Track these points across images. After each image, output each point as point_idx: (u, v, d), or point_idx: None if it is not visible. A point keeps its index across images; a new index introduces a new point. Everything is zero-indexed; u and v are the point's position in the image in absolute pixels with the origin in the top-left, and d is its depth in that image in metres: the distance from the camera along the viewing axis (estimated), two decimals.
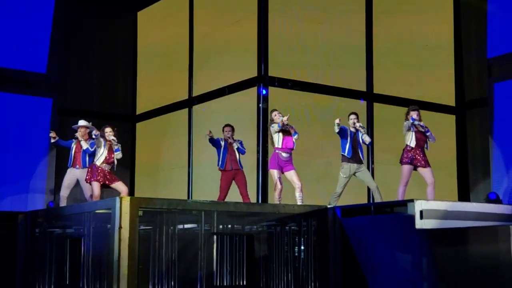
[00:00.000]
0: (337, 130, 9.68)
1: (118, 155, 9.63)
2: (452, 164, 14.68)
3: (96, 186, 9.52)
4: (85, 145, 10.14)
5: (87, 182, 9.68)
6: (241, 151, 10.56)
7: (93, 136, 9.80)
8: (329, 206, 8.97)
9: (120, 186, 9.68)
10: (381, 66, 14.12)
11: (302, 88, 13.13)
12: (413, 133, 9.55)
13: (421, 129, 9.56)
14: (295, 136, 9.87)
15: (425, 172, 9.52)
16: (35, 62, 13.86)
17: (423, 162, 9.51)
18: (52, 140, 10.36)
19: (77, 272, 8.46)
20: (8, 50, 13.57)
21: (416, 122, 9.53)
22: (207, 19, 14.51)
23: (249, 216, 8.52)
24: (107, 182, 9.63)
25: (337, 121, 9.63)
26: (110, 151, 9.62)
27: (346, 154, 9.75)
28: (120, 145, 9.66)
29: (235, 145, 10.44)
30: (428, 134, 9.60)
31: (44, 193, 12.99)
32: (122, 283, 7.48)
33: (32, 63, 13.84)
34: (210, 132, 10.36)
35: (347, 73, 13.72)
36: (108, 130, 9.72)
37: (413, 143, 9.53)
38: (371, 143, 11.72)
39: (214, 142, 10.46)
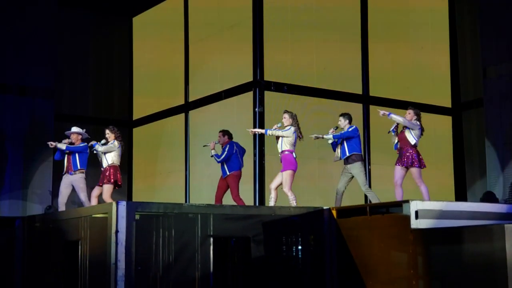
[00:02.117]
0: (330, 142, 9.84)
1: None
2: (449, 164, 14.74)
3: (95, 188, 10.15)
4: (63, 146, 10.28)
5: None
6: (215, 159, 10.58)
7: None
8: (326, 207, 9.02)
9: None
10: (376, 68, 14.18)
11: (298, 92, 13.18)
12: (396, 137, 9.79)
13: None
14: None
15: (411, 172, 9.65)
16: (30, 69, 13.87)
17: (409, 161, 9.62)
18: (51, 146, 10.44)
19: (75, 276, 8.47)
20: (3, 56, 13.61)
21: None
22: (202, 24, 14.57)
23: (246, 219, 8.54)
24: (100, 183, 10.09)
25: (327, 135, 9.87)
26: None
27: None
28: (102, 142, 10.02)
29: (212, 152, 10.53)
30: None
31: (41, 198, 13.01)
32: (119, 286, 7.50)
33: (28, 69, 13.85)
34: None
35: (343, 77, 13.77)
36: (106, 131, 10.24)
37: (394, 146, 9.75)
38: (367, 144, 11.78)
39: None
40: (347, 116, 10.06)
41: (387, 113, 9.74)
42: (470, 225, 7.92)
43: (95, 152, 10.21)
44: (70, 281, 8.64)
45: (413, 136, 9.67)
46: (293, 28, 13.33)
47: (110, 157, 10.10)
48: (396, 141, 9.86)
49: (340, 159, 9.91)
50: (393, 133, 9.85)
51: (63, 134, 10.72)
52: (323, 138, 9.99)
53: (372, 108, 14.02)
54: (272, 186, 9.89)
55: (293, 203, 9.56)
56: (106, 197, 9.99)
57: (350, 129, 9.90)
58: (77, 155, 10.27)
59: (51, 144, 10.35)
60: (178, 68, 14.96)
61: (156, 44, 15.85)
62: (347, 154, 9.82)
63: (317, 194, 12.64)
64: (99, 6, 16.16)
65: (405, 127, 9.75)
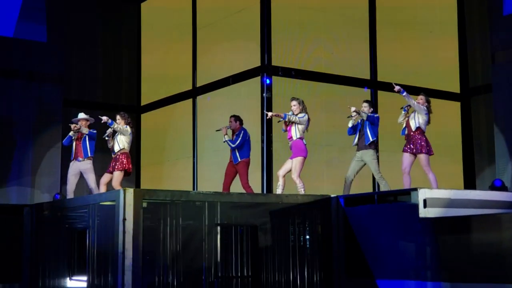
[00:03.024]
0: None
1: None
2: (457, 150, 14.65)
3: (104, 175, 10.14)
4: (85, 130, 10.21)
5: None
6: (229, 144, 10.50)
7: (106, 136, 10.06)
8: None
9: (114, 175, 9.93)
10: (385, 53, 14.08)
11: (305, 77, 13.11)
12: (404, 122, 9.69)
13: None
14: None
15: (418, 158, 9.61)
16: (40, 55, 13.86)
17: (417, 148, 9.56)
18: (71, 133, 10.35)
19: (83, 264, 8.51)
20: (12, 41, 13.58)
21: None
22: (210, 9, 14.48)
23: (253, 207, 8.53)
24: (111, 169, 10.04)
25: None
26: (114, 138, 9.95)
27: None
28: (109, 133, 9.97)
29: (225, 138, 10.45)
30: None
31: (50, 185, 13.04)
32: (127, 275, 7.52)
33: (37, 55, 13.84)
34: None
35: (351, 61, 13.68)
36: (117, 117, 10.18)
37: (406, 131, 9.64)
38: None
39: None
40: (371, 102, 10.09)
41: (401, 89, 9.64)
42: (479, 214, 7.87)
43: (106, 136, 10.06)
44: (78, 270, 8.68)
45: (416, 121, 9.58)
46: (300, 13, 13.24)
47: (121, 143, 10.04)
48: (404, 125, 9.77)
49: (365, 144, 9.80)
50: (404, 111, 9.72)
51: (71, 120, 10.67)
52: (358, 114, 9.80)
53: (380, 93, 13.94)
54: (280, 173, 9.84)
55: (301, 191, 9.53)
56: (116, 184, 9.95)
57: (376, 115, 9.85)
58: (87, 141, 10.19)
59: (75, 126, 10.20)
60: (186, 54, 14.91)
61: (164, 30, 15.79)
62: (371, 139, 9.76)
63: (325, 181, 12.60)
64: None
65: (413, 112, 9.69)
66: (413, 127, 9.60)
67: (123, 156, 10.03)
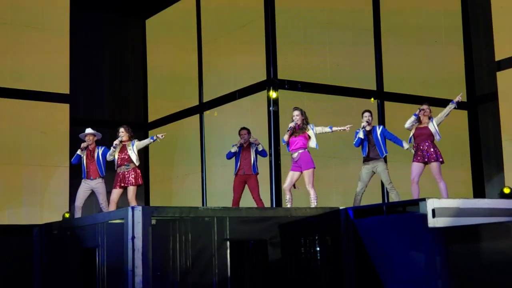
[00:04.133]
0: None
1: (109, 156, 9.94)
2: (466, 159, 14.61)
3: (113, 192, 9.91)
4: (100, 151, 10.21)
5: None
6: (264, 154, 10.54)
7: (113, 146, 9.95)
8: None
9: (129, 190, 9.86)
10: (390, 64, 14.09)
11: (312, 89, 13.14)
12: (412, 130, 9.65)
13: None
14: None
15: (430, 167, 9.57)
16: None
17: (429, 157, 9.52)
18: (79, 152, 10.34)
19: (93, 283, 8.51)
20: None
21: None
22: (214, 24, 14.57)
23: (262, 221, 8.51)
24: (123, 184, 9.88)
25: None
26: (121, 151, 9.83)
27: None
28: (117, 144, 9.86)
29: (260, 147, 10.42)
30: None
31: (58, 205, 13.07)
32: None
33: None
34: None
35: (357, 73, 13.70)
36: (120, 130, 10.02)
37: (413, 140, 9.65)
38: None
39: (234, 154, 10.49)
40: (371, 112, 10.03)
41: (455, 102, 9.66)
42: (488, 222, 7.84)
43: (113, 147, 10.01)
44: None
45: (434, 129, 9.58)
46: (305, 25, 13.29)
47: (134, 158, 10.01)
48: (412, 133, 9.70)
49: (380, 156, 9.80)
50: (414, 117, 9.66)
51: (78, 138, 10.68)
52: (369, 124, 9.83)
53: (386, 104, 13.94)
54: (286, 187, 9.74)
55: (314, 203, 9.47)
56: (133, 199, 9.91)
57: (381, 128, 9.95)
58: (101, 160, 10.18)
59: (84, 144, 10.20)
60: (191, 69, 14.98)
61: (169, 46, 15.88)
62: (385, 153, 9.82)
63: (333, 193, 12.58)
64: (112, 9, 16.21)
65: (428, 120, 9.65)
66: (437, 138, 9.58)
67: (138, 171, 10.01)
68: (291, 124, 9.66)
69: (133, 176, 9.89)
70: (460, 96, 9.75)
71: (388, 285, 8.18)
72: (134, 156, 9.92)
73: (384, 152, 9.83)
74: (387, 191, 9.91)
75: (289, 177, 9.73)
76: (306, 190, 9.62)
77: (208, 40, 14.70)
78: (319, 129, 9.78)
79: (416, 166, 9.55)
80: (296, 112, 9.76)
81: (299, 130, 9.70)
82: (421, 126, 9.66)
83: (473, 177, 14.54)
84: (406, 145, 9.82)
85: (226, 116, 13.88)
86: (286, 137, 9.76)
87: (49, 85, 13.61)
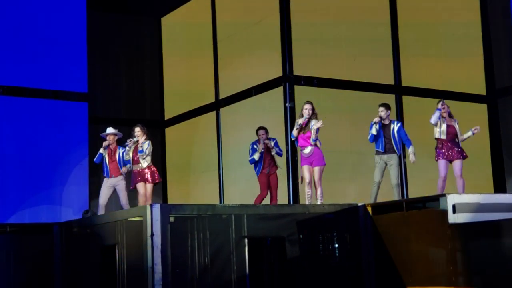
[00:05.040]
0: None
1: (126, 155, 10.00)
2: (486, 154, 14.46)
3: (138, 188, 9.92)
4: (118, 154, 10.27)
5: (132, 188, 10.02)
6: (279, 154, 10.55)
7: (126, 145, 9.99)
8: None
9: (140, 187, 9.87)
10: (408, 58, 13.97)
11: (328, 85, 13.05)
12: (442, 125, 9.52)
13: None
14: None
15: (453, 164, 9.48)
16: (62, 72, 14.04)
17: (453, 154, 9.46)
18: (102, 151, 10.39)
19: (113, 281, 8.55)
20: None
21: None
22: (229, 21, 14.53)
23: (280, 218, 8.49)
24: (142, 181, 9.93)
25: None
26: (136, 150, 9.88)
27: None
28: (131, 143, 9.83)
29: (273, 151, 10.42)
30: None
31: (78, 202, 13.16)
32: None
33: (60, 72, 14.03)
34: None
35: (374, 67, 13.60)
36: (136, 130, 10.03)
37: (443, 136, 9.51)
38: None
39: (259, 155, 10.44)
40: (388, 106, 9.93)
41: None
42: (509, 217, 7.74)
43: (127, 145, 10.04)
44: (108, 286, 8.72)
45: (456, 128, 9.58)
46: (321, 20, 13.20)
47: (149, 158, 10.07)
48: (442, 129, 9.64)
49: (396, 150, 9.75)
50: (437, 111, 9.59)
51: (97, 137, 10.75)
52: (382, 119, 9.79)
53: (405, 98, 13.83)
54: (309, 182, 9.65)
55: (321, 200, 9.45)
56: (150, 196, 9.96)
57: (399, 125, 9.84)
58: (122, 158, 10.25)
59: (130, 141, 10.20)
60: (207, 66, 14.97)
61: (185, 44, 15.88)
62: (399, 151, 9.83)
63: (351, 188, 12.51)
64: (127, 8, 16.24)
65: (451, 119, 9.62)
66: (454, 135, 9.54)
67: (154, 169, 10.05)
68: (300, 121, 9.63)
69: (149, 174, 9.93)
70: (479, 128, 9.64)
71: (408, 283, 8.12)
72: (144, 159, 9.97)
73: (399, 149, 9.77)
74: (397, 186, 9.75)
75: (307, 172, 9.65)
76: (313, 186, 9.58)
77: (223, 37, 14.67)
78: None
79: (445, 163, 9.52)
80: (308, 106, 9.70)
81: (307, 126, 9.63)
82: (449, 123, 9.62)
83: (493, 172, 14.39)
84: (411, 149, 9.71)
85: (242, 113, 13.85)
86: (295, 133, 9.72)
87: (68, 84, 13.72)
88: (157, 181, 10.07)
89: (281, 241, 8.40)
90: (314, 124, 9.58)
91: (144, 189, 9.97)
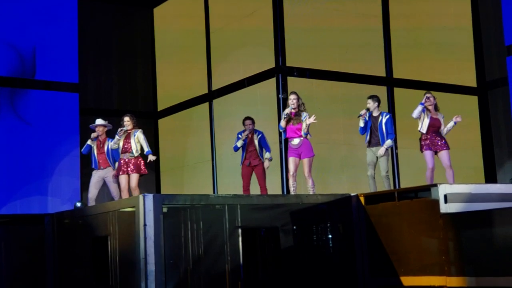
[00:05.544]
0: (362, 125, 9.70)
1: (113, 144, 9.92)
2: (477, 145, 14.55)
3: (120, 179, 9.88)
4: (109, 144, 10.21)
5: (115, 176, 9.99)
6: (266, 147, 10.52)
7: (116, 135, 9.96)
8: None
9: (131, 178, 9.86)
10: (399, 50, 14.01)
11: (320, 76, 13.09)
12: (425, 118, 9.53)
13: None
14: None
15: (440, 156, 9.49)
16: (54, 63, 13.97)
17: (438, 146, 9.49)
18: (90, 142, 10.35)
19: (105, 272, 8.54)
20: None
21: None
22: (222, 12, 14.51)
23: (273, 208, 8.50)
24: (127, 171, 9.89)
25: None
26: (126, 140, 9.85)
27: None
28: (122, 133, 9.83)
29: (256, 140, 10.42)
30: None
31: (70, 193, 13.13)
32: (149, 281, 7.54)
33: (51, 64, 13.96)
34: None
35: (366, 59, 13.63)
36: (125, 119, 10.01)
37: (425, 130, 9.53)
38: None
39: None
40: (376, 98, 9.91)
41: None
42: (500, 207, 7.80)
43: (118, 135, 10.01)
44: (100, 277, 8.71)
45: (440, 120, 9.59)
46: (313, 12, 13.20)
47: (139, 147, 10.05)
48: (424, 122, 9.63)
49: (383, 145, 9.74)
50: (421, 105, 9.59)
51: (88, 128, 10.70)
52: (368, 111, 9.76)
53: (396, 90, 13.87)
54: (293, 173, 9.60)
55: (313, 191, 9.46)
56: (135, 187, 9.92)
57: (387, 117, 9.78)
58: (111, 152, 10.22)
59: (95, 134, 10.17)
60: (200, 57, 14.94)
61: (178, 34, 15.83)
62: (387, 139, 9.75)
63: (344, 180, 12.56)
64: None
65: (436, 112, 9.62)
66: (438, 127, 9.54)
67: (143, 160, 10.03)
68: (287, 110, 9.60)
69: (135, 164, 9.91)
70: (460, 117, 9.64)
71: (401, 272, 8.17)
72: (134, 147, 9.94)
73: (386, 139, 9.74)
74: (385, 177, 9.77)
75: (293, 163, 9.60)
76: (304, 178, 9.59)
77: (216, 28, 14.65)
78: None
79: (430, 154, 9.53)
80: (293, 96, 9.66)
81: (296, 117, 9.61)
82: (434, 116, 9.62)
83: (484, 162, 14.48)
84: (389, 143, 9.67)
85: (235, 104, 13.85)
86: (283, 124, 9.64)
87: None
88: (141, 172, 10.01)
89: (274, 232, 8.40)
90: (306, 119, 9.54)
91: (126, 181, 9.96)
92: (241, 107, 13.35)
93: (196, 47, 15.06)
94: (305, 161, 9.53)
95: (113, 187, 10.24)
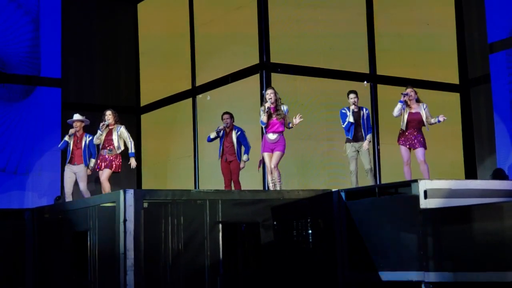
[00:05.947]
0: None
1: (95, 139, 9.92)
2: (458, 141, 14.64)
3: (100, 174, 9.84)
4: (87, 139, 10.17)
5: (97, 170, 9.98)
6: (245, 145, 10.51)
7: (98, 129, 9.92)
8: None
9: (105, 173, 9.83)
10: (383, 47, 14.05)
11: (304, 73, 13.10)
12: (404, 115, 9.58)
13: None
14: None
15: (415, 152, 9.55)
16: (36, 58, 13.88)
17: (414, 143, 9.53)
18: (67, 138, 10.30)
19: (85, 267, 8.50)
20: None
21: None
22: (207, 8, 14.47)
23: (254, 204, 8.50)
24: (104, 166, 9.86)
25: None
26: (107, 135, 9.82)
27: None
28: (104, 127, 9.79)
29: (234, 137, 10.44)
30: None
31: (50, 188, 13.07)
32: (129, 275, 7.52)
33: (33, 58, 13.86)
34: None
35: (350, 56, 13.67)
36: (107, 113, 9.93)
37: (403, 126, 9.59)
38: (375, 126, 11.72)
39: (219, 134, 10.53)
40: (357, 92, 10.01)
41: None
42: (480, 203, 7.85)
43: (100, 129, 9.96)
44: (80, 272, 8.67)
45: (423, 117, 9.62)
46: (298, 9, 13.21)
47: (122, 144, 10.00)
48: (405, 119, 9.67)
49: (364, 137, 9.84)
50: (400, 103, 9.63)
51: (67, 121, 10.62)
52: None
53: (379, 86, 13.92)
54: (273, 168, 9.64)
55: (279, 183, 9.47)
56: (105, 181, 9.87)
57: (367, 111, 9.98)
58: (88, 145, 10.16)
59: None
60: (184, 53, 14.90)
61: (162, 30, 15.77)
62: (367, 133, 9.89)
63: (325, 176, 12.59)
64: None
65: (418, 104, 9.66)
66: (418, 122, 9.57)
67: (120, 158, 9.99)
68: (267, 105, 9.60)
69: (112, 161, 9.87)
70: (444, 117, 9.68)
71: (381, 267, 8.20)
72: (116, 143, 9.90)
73: (367, 133, 9.83)
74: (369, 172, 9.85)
75: (269, 159, 9.66)
76: (270, 169, 9.59)
77: (200, 24, 14.61)
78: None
79: (405, 149, 9.58)
80: (270, 91, 9.68)
81: (276, 112, 9.60)
82: (412, 111, 9.63)
83: (465, 158, 14.57)
84: (369, 138, 9.84)
85: (218, 100, 13.83)
86: (264, 119, 9.61)
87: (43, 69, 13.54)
88: (113, 169, 9.94)
89: (255, 227, 8.41)
90: (293, 119, 9.60)
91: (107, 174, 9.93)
92: (225, 103, 13.33)
93: (180, 42, 15.01)
94: (277, 153, 9.58)
95: (82, 184, 10.19)
